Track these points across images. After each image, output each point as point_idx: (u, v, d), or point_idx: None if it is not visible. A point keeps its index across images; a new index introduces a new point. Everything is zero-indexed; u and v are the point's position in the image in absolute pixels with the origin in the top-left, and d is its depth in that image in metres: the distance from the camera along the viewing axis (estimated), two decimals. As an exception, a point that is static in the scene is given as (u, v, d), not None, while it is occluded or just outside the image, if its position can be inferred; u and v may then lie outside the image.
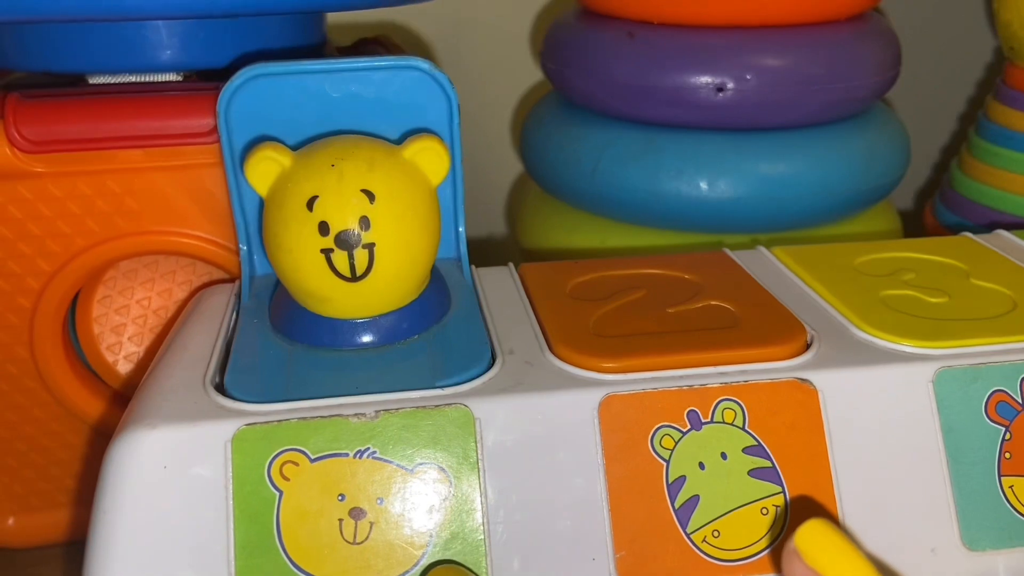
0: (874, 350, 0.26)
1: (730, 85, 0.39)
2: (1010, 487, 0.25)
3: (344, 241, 0.25)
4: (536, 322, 0.29)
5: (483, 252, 0.60)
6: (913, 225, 0.54)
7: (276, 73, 0.29)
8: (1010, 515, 0.25)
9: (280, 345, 0.27)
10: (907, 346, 0.26)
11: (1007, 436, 0.25)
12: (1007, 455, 0.25)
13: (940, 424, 0.25)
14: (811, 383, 0.25)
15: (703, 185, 0.40)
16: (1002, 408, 0.25)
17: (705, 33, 0.40)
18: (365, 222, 0.25)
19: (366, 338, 0.27)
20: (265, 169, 0.26)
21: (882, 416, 0.25)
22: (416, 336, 0.27)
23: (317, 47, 0.40)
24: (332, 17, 0.54)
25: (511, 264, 0.33)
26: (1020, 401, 0.25)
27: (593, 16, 0.44)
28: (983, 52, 0.61)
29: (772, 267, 0.33)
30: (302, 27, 0.38)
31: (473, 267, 0.32)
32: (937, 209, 0.51)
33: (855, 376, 0.25)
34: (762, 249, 0.34)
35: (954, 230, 0.41)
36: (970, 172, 0.49)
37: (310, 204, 0.25)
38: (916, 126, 0.58)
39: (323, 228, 0.25)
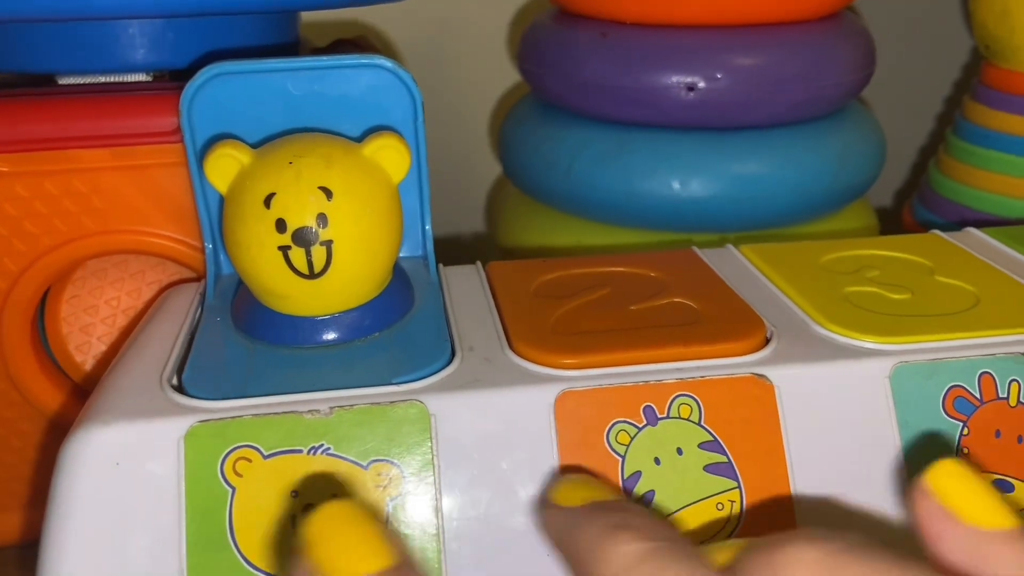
0: (832, 346, 0.26)
1: (701, 84, 0.39)
2: (967, 482, 0.25)
3: (301, 238, 0.25)
4: (499, 319, 0.29)
5: (463, 251, 0.60)
6: (892, 224, 0.55)
7: (239, 72, 0.29)
8: (967, 510, 0.24)
9: (241, 343, 0.27)
10: (865, 342, 0.26)
11: (965, 432, 0.25)
12: (964, 451, 0.25)
13: (897, 419, 0.25)
14: (768, 379, 0.25)
15: (676, 185, 0.40)
16: (960, 404, 0.25)
17: (676, 32, 0.40)
18: (323, 219, 0.25)
19: (326, 335, 0.27)
20: (224, 166, 0.26)
21: (839, 411, 0.25)
22: (377, 333, 0.27)
23: (290, 47, 0.40)
24: (311, 18, 0.54)
25: (479, 263, 0.33)
26: (978, 397, 0.25)
27: (568, 17, 0.44)
28: (962, 51, 0.61)
29: (739, 265, 0.33)
30: (273, 27, 0.38)
31: (440, 265, 0.33)
32: (915, 208, 0.51)
33: (812, 371, 0.25)
34: (730, 247, 0.34)
35: (932, 229, 0.41)
36: (947, 171, 0.49)
37: (267, 201, 0.25)
38: (895, 125, 0.58)
39: (280, 225, 0.25)
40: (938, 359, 0.25)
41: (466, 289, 0.31)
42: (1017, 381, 0.25)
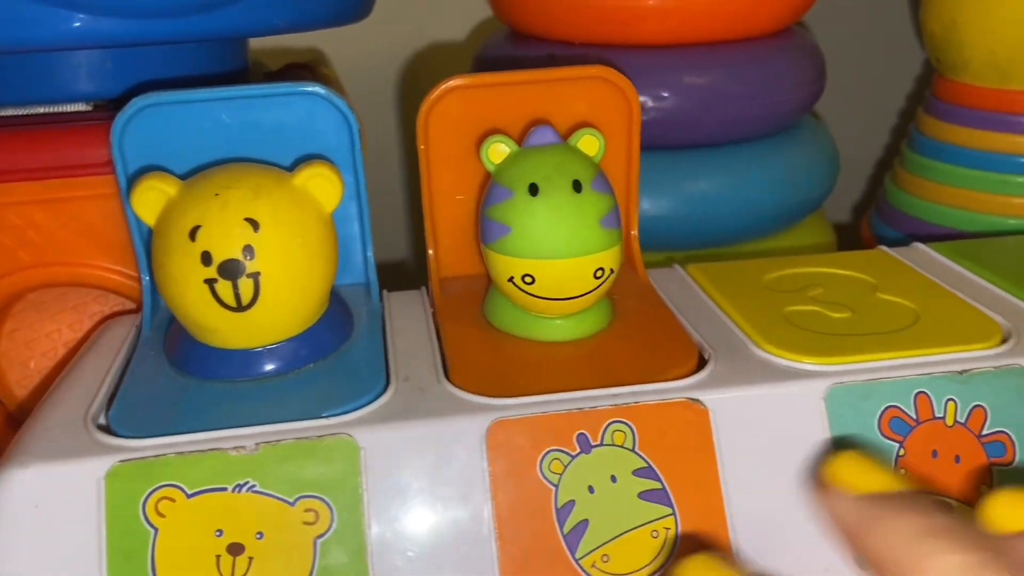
0: (769, 368, 0.26)
1: (649, 104, 0.39)
2: (904, 503, 0.24)
3: (227, 270, 0.25)
4: (439, 347, 0.28)
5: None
6: (851, 239, 0.55)
7: (169, 102, 0.28)
8: (905, 532, 0.24)
9: (173, 378, 0.27)
10: (801, 363, 0.26)
11: (901, 452, 0.25)
12: (901, 471, 0.25)
13: (832, 441, 0.25)
14: (702, 403, 0.25)
15: (626, 204, 0.40)
16: (896, 424, 0.25)
17: (623, 53, 0.40)
18: (249, 251, 0.25)
19: (257, 368, 0.26)
20: (150, 199, 0.26)
21: (774, 434, 0.25)
22: (311, 365, 0.27)
23: (237, 73, 0.40)
24: (269, 43, 0.54)
25: (423, 288, 0.33)
26: (914, 417, 0.25)
27: (519, 37, 0.44)
28: (916, 63, 0.61)
29: (685, 285, 0.32)
30: (218, 54, 0.38)
31: (385, 292, 0.32)
32: (873, 223, 0.51)
33: (746, 395, 0.25)
34: (677, 267, 0.34)
35: (890, 244, 0.41)
36: (903, 185, 0.49)
37: (192, 234, 0.25)
38: (852, 139, 0.58)
39: (206, 258, 0.25)
40: (873, 379, 0.25)
41: (409, 315, 0.31)
42: (954, 400, 0.25)
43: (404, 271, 0.58)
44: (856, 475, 0.21)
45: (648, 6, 0.40)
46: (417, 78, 0.56)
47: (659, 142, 0.40)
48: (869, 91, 0.61)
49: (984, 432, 0.25)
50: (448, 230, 0.32)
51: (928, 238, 0.40)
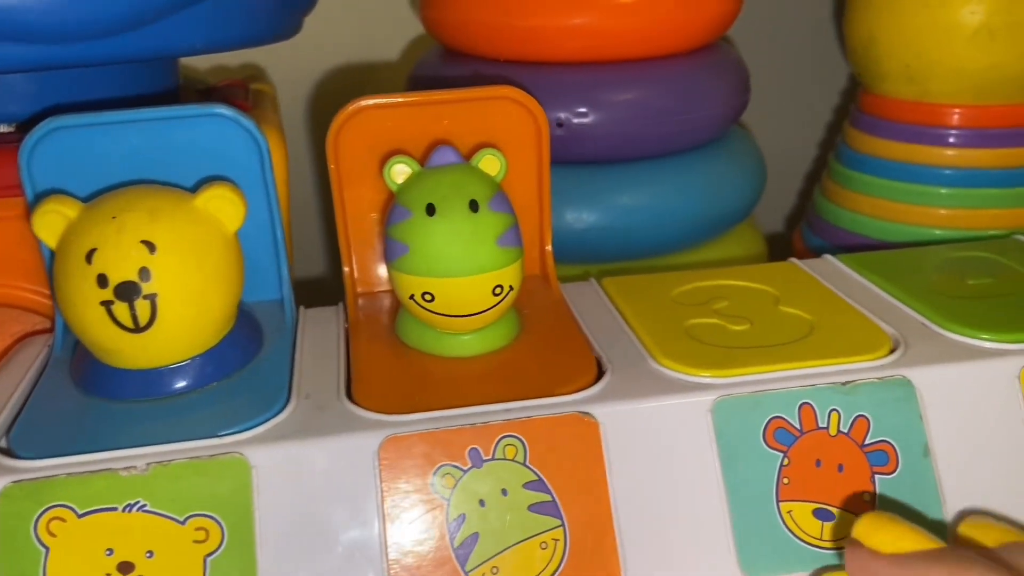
0: (661, 381, 0.27)
1: (573, 120, 0.40)
2: (788, 512, 0.25)
3: (123, 292, 0.25)
4: (344, 363, 0.29)
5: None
6: (784, 249, 0.55)
7: (78, 124, 0.29)
8: (788, 540, 0.25)
9: (77, 399, 0.27)
10: (692, 376, 0.27)
11: (785, 462, 0.25)
12: (785, 481, 0.25)
13: (718, 452, 0.25)
14: (592, 416, 0.25)
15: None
16: (780, 434, 0.26)
17: (547, 69, 0.40)
18: (145, 273, 0.25)
19: (159, 387, 0.27)
20: (50, 222, 0.26)
21: (662, 446, 0.25)
22: (214, 383, 0.27)
23: (166, 92, 0.40)
24: (214, 60, 0.54)
25: (340, 304, 0.34)
26: (798, 427, 0.26)
27: (449, 54, 0.45)
28: (843, 77, 0.62)
29: (596, 299, 0.33)
30: (145, 74, 0.38)
31: (301, 308, 0.33)
32: (805, 234, 0.52)
33: (636, 408, 0.26)
34: (592, 281, 0.35)
35: (820, 254, 0.41)
36: (831, 197, 0.50)
37: (89, 257, 0.25)
38: (787, 151, 0.59)
39: (102, 280, 0.25)
40: (760, 391, 0.26)
41: (321, 332, 0.31)
42: (837, 411, 0.26)
43: (328, 287, 0.59)
44: (887, 535, 0.22)
45: (572, 25, 0.40)
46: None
47: (584, 157, 0.41)
48: (802, 104, 0.62)
49: (867, 442, 0.26)
50: (364, 247, 0.33)
51: (855, 248, 0.41)
